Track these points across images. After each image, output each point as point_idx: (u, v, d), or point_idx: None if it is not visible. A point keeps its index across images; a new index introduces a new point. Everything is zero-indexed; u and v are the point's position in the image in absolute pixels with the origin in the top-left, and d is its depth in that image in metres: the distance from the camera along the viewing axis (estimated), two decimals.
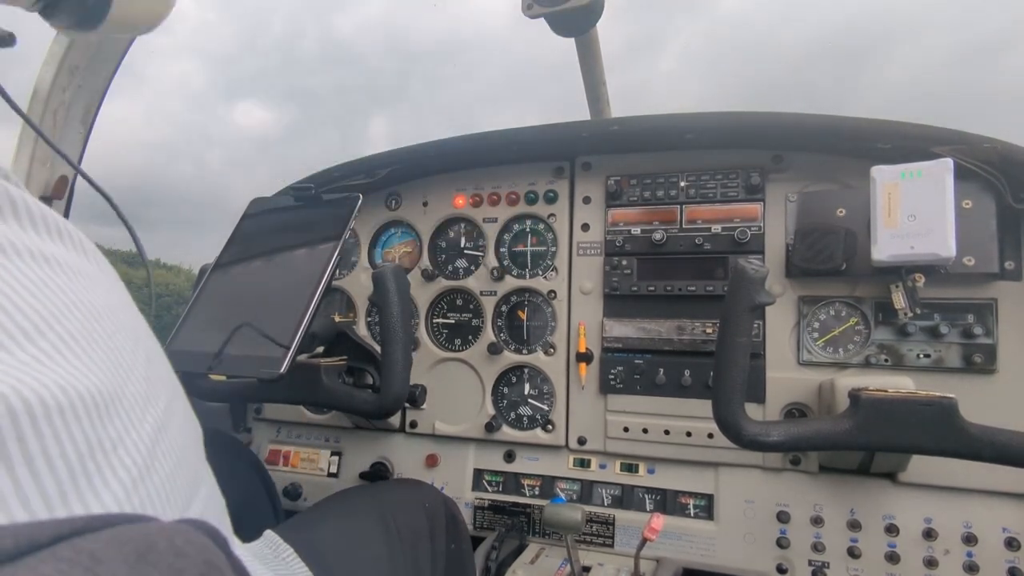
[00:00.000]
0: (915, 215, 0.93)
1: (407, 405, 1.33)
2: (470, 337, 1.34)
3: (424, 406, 1.33)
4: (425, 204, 1.38)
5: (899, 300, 0.98)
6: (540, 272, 1.29)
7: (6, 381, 0.24)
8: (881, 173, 0.96)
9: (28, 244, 0.31)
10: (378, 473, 1.32)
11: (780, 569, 1.06)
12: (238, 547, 0.51)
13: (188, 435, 0.41)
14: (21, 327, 0.27)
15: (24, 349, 0.26)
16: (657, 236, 1.17)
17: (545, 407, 1.27)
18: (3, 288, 0.27)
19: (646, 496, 1.18)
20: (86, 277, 0.35)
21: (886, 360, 1.05)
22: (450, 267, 1.38)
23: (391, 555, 0.78)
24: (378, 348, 1.13)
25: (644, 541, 0.94)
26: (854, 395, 0.84)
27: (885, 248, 0.95)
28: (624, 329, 1.19)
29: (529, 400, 1.29)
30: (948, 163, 0.92)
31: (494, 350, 1.28)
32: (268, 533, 0.68)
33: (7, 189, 0.31)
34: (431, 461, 1.31)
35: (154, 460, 0.34)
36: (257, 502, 1.14)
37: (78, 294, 0.32)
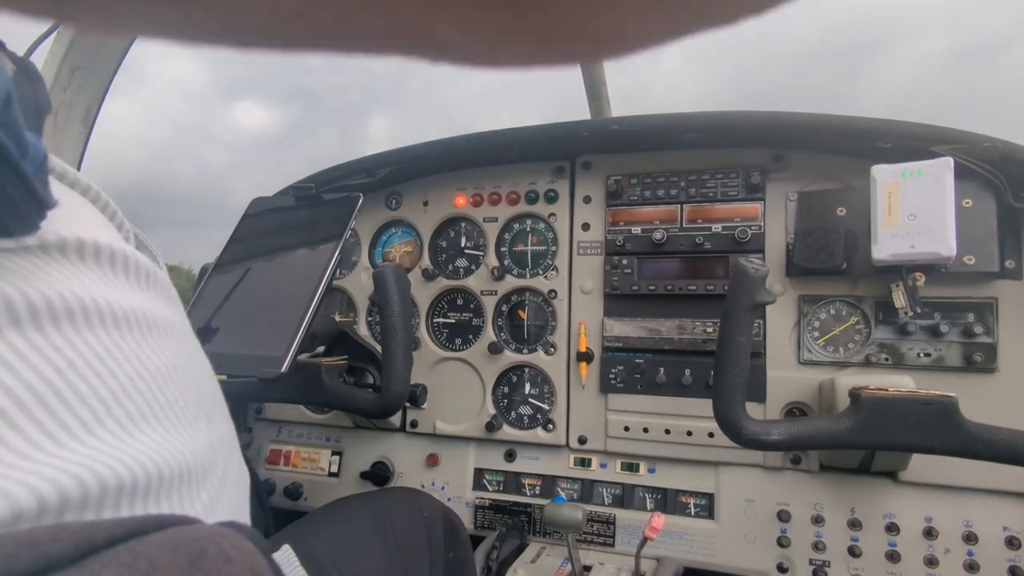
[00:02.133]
0: (915, 214, 0.93)
1: (408, 404, 1.33)
2: (471, 337, 1.34)
3: (425, 405, 1.33)
4: (425, 204, 1.38)
5: (899, 299, 0.98)
6: (540, 271, 1.29)
7: (58, 473, 0.24)
8: (881, 172, 0.96)
9: (97, 299, 0.30)
10: (379, 472, 1.32)
11: (781, 568, 1.06)
12: None
13: (238, 489, 0.39)
14: (79, 418, 0.26)
15: (81, 441, 0.26)
16: (657, 235, 1.17)
17: (546, 406, 1.27)
18: (65, 371, 0.27)
19: (647, 495, 1.18)
20: (156, 330, 0.33)
21: (886, 359, 1.05)
22: (450, 267, 1.38)
23: (389, 563, 0.78)
24: (379, 348, 1.13)
25: (645, 540, 0.95)
26: (854, 394, 0.84)
27: (885, 247, 0.95)
28: (624, 328, 1.19)
29: (530, 399, 1.29)
30: (948, 162, 0.92)
31: (495, 350, 1.28)
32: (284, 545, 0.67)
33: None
34: (432, 460, 1.31)
35: None
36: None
37: (143, 360, 0.31)
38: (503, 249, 1.33)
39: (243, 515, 0.40)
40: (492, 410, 1.29)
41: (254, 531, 0.28)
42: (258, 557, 0.26)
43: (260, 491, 1.22)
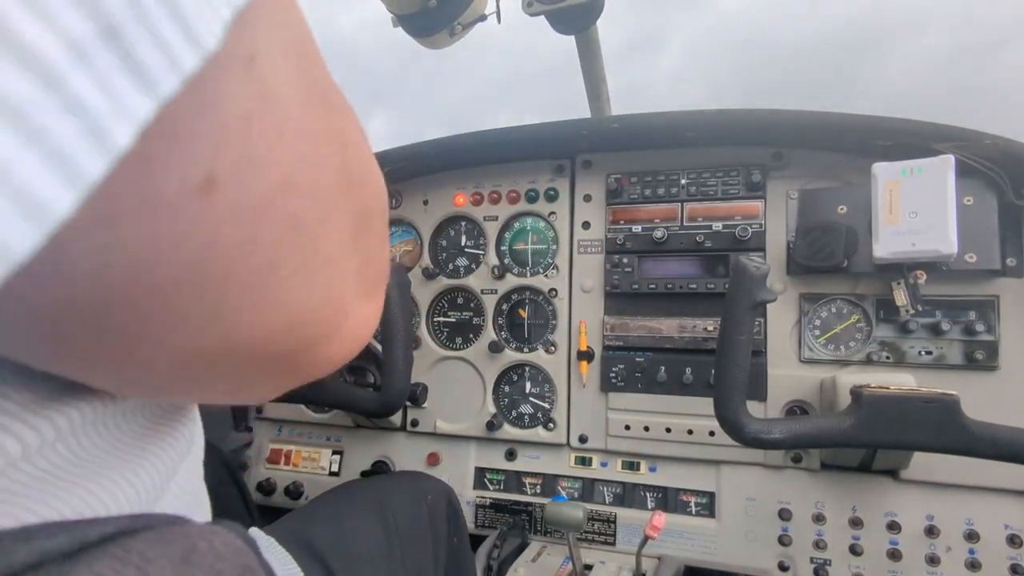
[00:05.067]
0: (916, 212, 0.93)
1: (408, 404, 1.33)
2: (471, 335, 1.34)
3: (425, 404, 1.33)
4: (425, 202, 1.38)
5: (900, 297, 0.98)
6: (541, 270, 1.29)
7: None
8: (882, 170, 0.96)
9: None
10: (380, 472, 1.32)
11: (782, 567, 1.06)
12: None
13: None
14: None
15: None
16: (658, 234, 1.17)
17: (546, 405, 1.27)
18: None
19: (647, 494, 1.18)
20: None
21: (888, 357, 1.05)
22: (451, 265, 1.38)
23: (389, 549, 0.77)
24: (379, 347, 1.13)
25: (646, 539, 0.95)
26: (856, 392, 0.84)
27: (886, 245, 0.95)
28: (625, 327, 1.19)
29: (530, 398, 1.29)
30: (949, 160, 0.92)
31: (495, 348, 1.28)
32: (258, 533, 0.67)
33: None
34: (432, 459, 1.31)
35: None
36: (229, 501, 1.15)
37: None
38: (503, 248, 1.33)
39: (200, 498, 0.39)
40: (493, 409, 1.29)
41: (244, 530, 0.29)
42: (250, 554, 0.26)
43: (242, 487, 1.21)
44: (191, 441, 0.34)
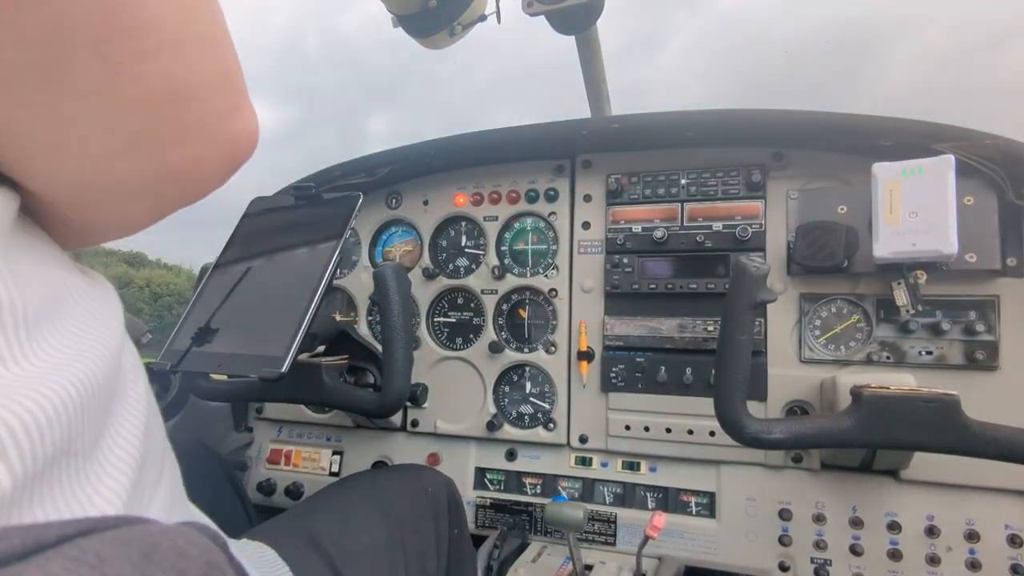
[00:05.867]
0: (917, 212, 0.93)
1: (408, 404, 1.33)
2: (471, 336, 1.34)
3: (425, 405, 1.33)
4: (426, 203, 1.38)
5: (901, 297, 0.98)
6: (541, 270, 1.29)
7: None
8: (882, 170, 0.96)
9: None
10: None
11: (782, 567, 1.06)
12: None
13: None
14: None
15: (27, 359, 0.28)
16: (658, 234, 1.17)
17: (546, 405, 1.27)
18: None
19: (648, 494, 1.18)
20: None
21: (888, 357, 1.05)
22: (451, 266, 1.38)
23: (390, 541, 0.77)
24: (379, 347, 1.13)
25: (646, 539, 0.94)
26: (856, 392, 0.84)
27: (887, 245, 0.95)
28: (625, 327, 1.19)
29: (530, 399, 1.29)
30: (950, 160, 0.92)
31: (495, 349, 1.28)
32: (247, 541, 0.67)
33: None
34: (432, 460, 1.31)
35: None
36: (226, 503, 1.15)
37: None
38: (503, 248, 1.33)
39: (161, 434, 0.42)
40: (493, 409, 1.29)
41: (213, 530, 0.28)
42: (216, 552, 0.26)
43: (238, 487, 1.21)
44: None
